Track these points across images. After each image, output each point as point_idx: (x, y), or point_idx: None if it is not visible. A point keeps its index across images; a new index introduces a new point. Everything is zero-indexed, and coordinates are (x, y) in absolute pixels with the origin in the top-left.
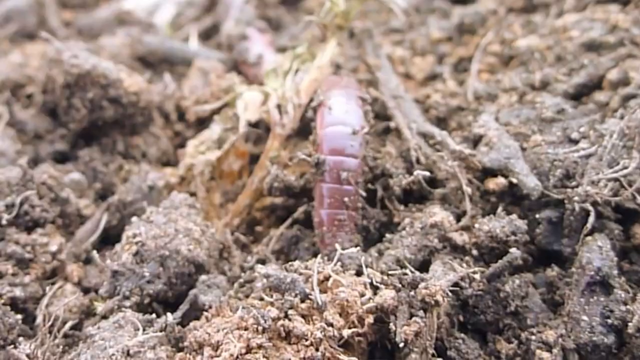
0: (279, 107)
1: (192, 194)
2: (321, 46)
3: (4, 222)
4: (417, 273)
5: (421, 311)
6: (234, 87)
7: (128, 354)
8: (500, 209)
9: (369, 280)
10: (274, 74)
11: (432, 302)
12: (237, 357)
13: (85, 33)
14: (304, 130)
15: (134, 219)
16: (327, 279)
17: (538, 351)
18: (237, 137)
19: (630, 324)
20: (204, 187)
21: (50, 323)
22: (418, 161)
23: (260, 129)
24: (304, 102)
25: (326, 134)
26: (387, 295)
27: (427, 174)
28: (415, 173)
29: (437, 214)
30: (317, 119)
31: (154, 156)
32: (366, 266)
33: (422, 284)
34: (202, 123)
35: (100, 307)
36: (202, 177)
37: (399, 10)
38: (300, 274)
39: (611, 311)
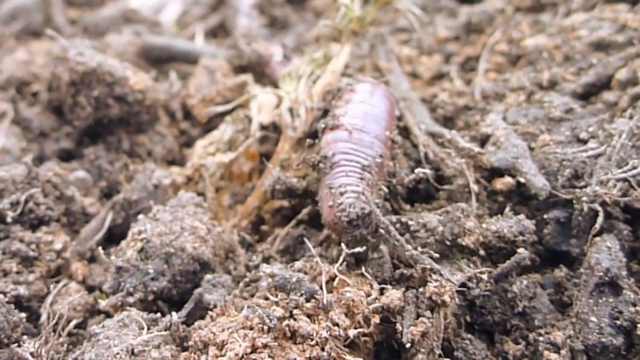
0: (291, 110)
1: (200, 194)
2: (331, 46)
3: (8, 219)
4: (424, 273)
5: (428, 311)
6: (247, 89)
7: (132, 353)
8: (508, 209)
9: (375, 280)
10: (289, 78)
11: (440, 302)
12: (242, 356)
13: (91, 31)
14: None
15: (141, 216)
16: (332, 278)
17: (546, 352)
18: (252, 140)
19: (639, 325)
20: (213, 188)
21: (54, 321)
22: (427, 157)
23: (269, 131)
24: (317, 105)
25: (338, 145)
26: (393, 296)
27: (429, 171)
28: (416, 171)
29: None
30: (327, 135)
31: (160, 155)
32: (372, 266)
33: (430, 284)
34: (209, 122)
35: (103, 302)
36: (212, 178)
37: (414, 18)
38: (306, 273)
39: (620, 312)
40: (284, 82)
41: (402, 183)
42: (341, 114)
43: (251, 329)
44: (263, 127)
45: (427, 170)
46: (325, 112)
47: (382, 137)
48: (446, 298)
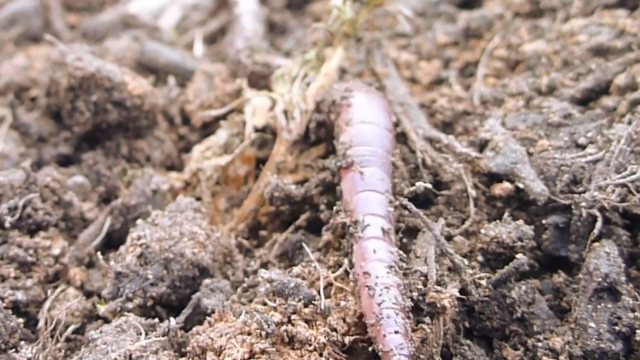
0: (285, 112)
1: (198, 199)
2: (327, 51)
3: (6, 225)
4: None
5: (427, 317)
6: (242, 92)
7: (130, 359)
8: (506, 215)
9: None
10: (282, 80)
11: (440, 309)
12: None
13: (90, 36)
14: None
15: (139, 221)
16: (330, 284)
17: (544, 358)
18: (247, 142)
19: (638, 331)
20: (209, 192)
21: (52, 327)
22: (424, 162)
23: (264, 134)
24: (311, 108)
25: (360, 199)
26: None
27: (429, 185)
28: (417, 184)
29: None
30: (346, 182)
31: (158, 160)
32: None
33: (431, 291)
34: (207, 127)
35: (102, 308)
36: (208, 181)
37: (404, 20)
38: (304, 278)
39: (619, 318)
40: (277, 84)
41: (401, 194)
42: (347, 145)
43: (249, 334)
44: (258, 130)
45: (429, 185)
46: (319, 125)
47: (389, 150)
48: (446, 303)
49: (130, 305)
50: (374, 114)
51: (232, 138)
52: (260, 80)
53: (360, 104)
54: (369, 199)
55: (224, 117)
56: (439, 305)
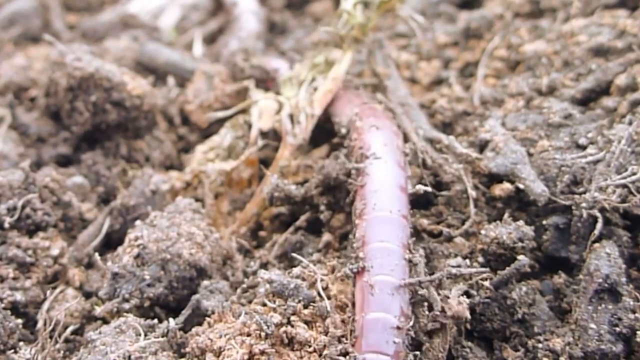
0: (291, 116)
1: (198, 200)
2: (330, 52)
3: (5, 225)
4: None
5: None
6: (248, 94)
7: None
8: (506, 215)
9: None
10: (290, 83)
11: (458, 316)
12: None
13: (90, 36)
14: (315, 140)
15: (138, 222)
16: (331, 284)
17: (545, 359)
18: (254, 149)
19: (638, 332)
20: (213, 195)
21: (51, 328)
22: (424, 163)
23: (268, 137)
24: (317, 112)
25: (367, 326)
26: None
27: (430, 189)
28: (417, 187)
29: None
30: (358, 294)
31: (158, 160)
32: None
33: (451, 300)
34: (207, 127)
35: (99, 309)
36: (212, 184)
37: (416, 25)
38: (304, 279)
39: (619, 319)
40: (285, 87)
41: None
42: (360, 243)
43: (249, 335)
44: (263, 134)
45: (429, 188)
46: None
47: (405, 241)
48: (465, 312)
49: (126, 306)
50: (389, 196)
51: (236, 140)
52: (258, 84)
53: (375, 181)
54: (377, 328)
55: (226, 117)
56: (462, 312)
